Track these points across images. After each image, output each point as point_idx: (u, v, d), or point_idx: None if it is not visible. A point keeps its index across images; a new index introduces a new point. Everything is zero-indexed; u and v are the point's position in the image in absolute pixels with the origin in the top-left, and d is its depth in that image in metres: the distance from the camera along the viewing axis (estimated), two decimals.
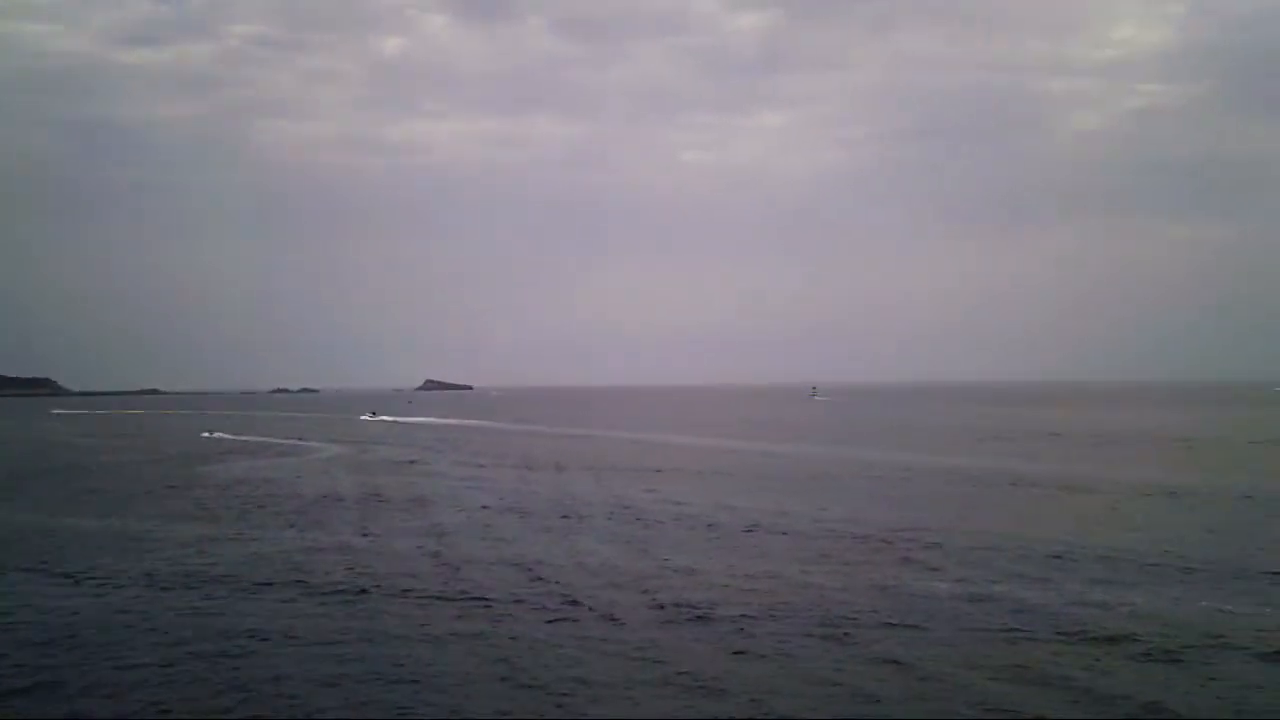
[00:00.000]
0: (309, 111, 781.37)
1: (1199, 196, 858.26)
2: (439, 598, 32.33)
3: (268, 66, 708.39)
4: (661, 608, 30.50)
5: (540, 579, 35.28)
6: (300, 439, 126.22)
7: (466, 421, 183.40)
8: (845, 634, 27.42)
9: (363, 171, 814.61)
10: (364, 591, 33.34)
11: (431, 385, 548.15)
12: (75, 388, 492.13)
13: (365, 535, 46.33)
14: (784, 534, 45.90)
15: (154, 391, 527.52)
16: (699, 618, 29.15)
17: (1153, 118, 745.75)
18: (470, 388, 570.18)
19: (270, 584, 34.76)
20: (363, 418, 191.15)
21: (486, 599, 31.97)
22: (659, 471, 78.56)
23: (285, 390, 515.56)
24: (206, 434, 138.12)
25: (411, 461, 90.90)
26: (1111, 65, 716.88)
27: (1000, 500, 59.67)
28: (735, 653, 25.70)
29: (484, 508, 56.06)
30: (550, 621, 29.07)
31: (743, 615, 29.33)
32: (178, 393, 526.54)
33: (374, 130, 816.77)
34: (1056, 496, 61.05)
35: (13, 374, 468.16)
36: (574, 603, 31.50)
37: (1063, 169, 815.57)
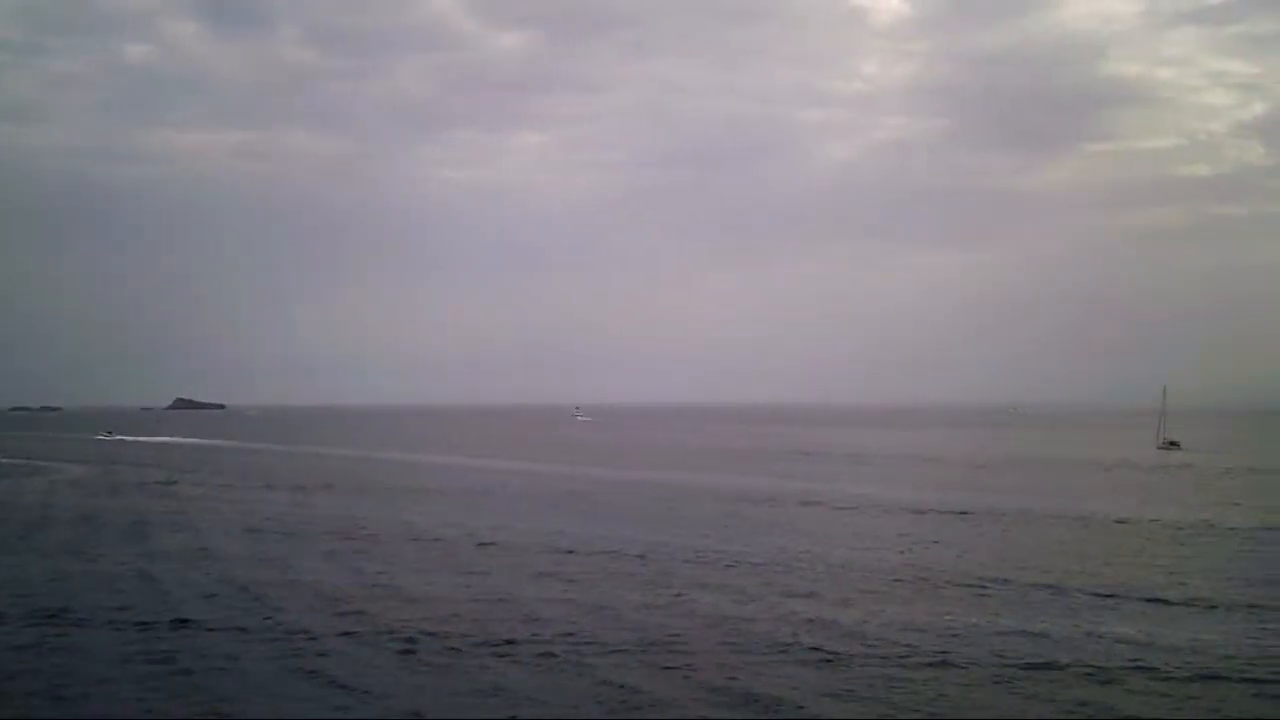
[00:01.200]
0: (47, 117, 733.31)
1: (942, 226, 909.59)
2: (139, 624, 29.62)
3: (4, 70, 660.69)
4: (342, 615, 30.60)
5: (250, 598, 33.60)
6: (28, 459, 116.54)
7: (210, 441, 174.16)
8: (510, 644, 27.18)
9: (105, 181, 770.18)
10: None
11: (182, 404, 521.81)
12: None
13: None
14: (511, 549, 45.28)
15: None
16: (380, 632, 28.64)
17: (899, 150, 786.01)
18: (223, 406, 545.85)
19: None
20: (98, 437, 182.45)
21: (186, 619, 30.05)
22: (414, 490, 76.47)
23: (24, 408, 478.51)
24: None
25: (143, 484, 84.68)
26: (860, 98, 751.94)
27: (741, 515, 60.50)
28: (402, 656, 26.11)
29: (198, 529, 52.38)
30: (242, 641, 27.64)
31: (425, 632, 28.60)
32: None
33: (118, 138, 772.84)
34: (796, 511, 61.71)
35: None
36: (269, 619, 30.16)
37: (815, 197, 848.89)
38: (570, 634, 28.10)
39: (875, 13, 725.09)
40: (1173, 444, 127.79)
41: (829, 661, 25.44)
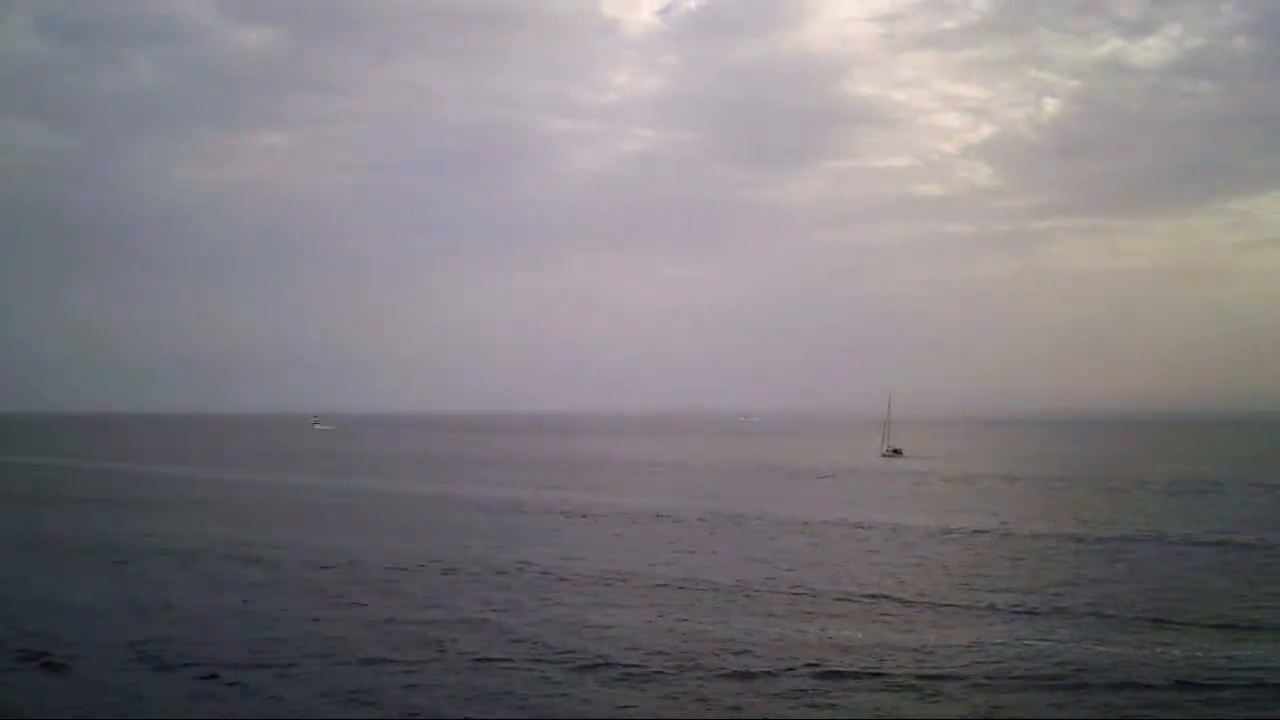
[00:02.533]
0: None
1: (688, 238, 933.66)
2: None
3: None
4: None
5: None
6: None
7: None
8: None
9: None
10: None
11: None
12: None
13: None
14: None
15: None
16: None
17: (648, 161, 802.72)
18: None
19: None
20: None
21: None
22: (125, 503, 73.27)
23: None
24: None
25: None
26: (612, 109, 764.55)
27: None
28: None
29: None
30: None
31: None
32: None
33: None
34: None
35: None
36: None
37: (565, 207, 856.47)
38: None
39: (627, 24, 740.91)
40: (896, 451, 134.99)
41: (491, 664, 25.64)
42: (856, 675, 25.49)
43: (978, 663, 26.71)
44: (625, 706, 23.25)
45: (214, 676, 25.28)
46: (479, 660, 26.85)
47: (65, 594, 36.30)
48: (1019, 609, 34.16)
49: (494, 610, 33.52)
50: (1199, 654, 27.58)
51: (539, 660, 26.95)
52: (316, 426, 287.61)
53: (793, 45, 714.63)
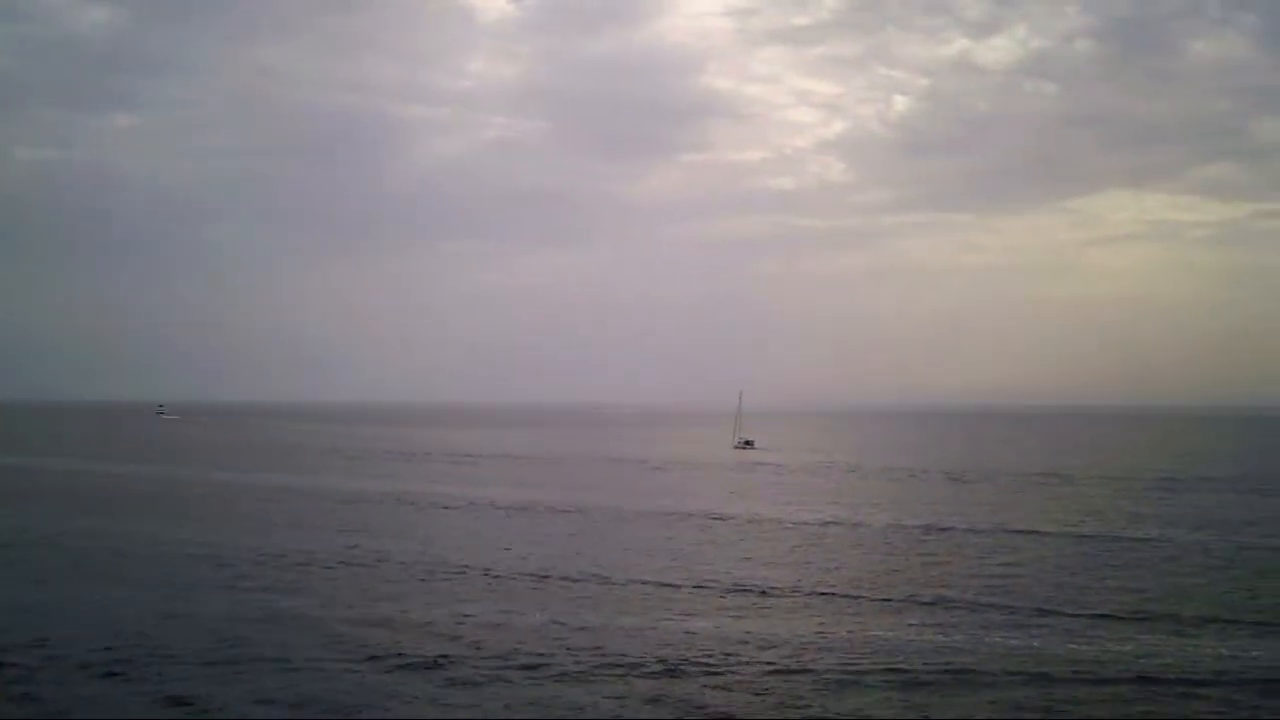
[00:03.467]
0: None
1: (545, 228, 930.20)
2: None
3: None
4: None
5: None
6: None
7: None
8: None
9: None
10: None
11: None
12: None
13: None
14: None
15: None
16: None
17: (505, 149, 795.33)
18: None
19: None
20: None
21: None
22: None
23: None
24: None
25: None
26: (467, 96, 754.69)
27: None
28: None
29: None
30: None
31: None
32: None
33: None
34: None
35: None
36: None
37: (421, 194, 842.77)
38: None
39: (482, 10, 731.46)
40: (748, 444, 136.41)
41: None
42: (709, 670, 25.19)
43: (827, 654, 26.77)
44: (448, 706, 22.53)
45: None
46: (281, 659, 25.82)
47: None
48: (866, 598, 34.53)
49: (322, 606, 32.58)
50: (1035, 644, 28.09)
51: (364, 659, 25.97)
52: (161, 415, 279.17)
53: (649, 37, 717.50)
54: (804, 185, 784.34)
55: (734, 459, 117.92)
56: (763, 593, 35.75)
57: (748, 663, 25.94)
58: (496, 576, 38.46)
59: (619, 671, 24.96)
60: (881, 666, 25.51)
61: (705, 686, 23.92)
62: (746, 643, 28.03)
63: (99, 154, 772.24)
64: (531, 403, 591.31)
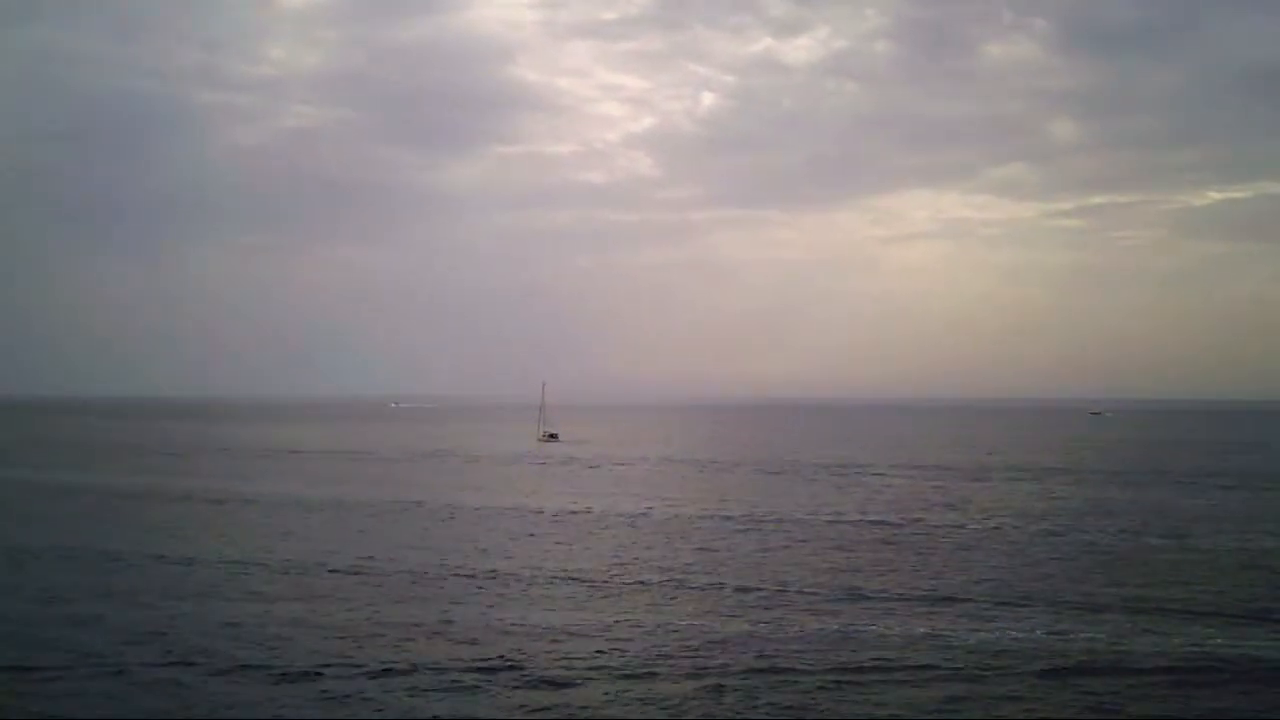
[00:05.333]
0: None
1: (348, 220, 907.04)
2: None
3: None
4: None
5: None
6: None
7: None
8: None
9: None
10: None
11: None
12: None
13: None
14: None
15: None
16: None
17: (307, 139, 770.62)
18: None
19: None
20: None
21: None
22: None
23: None
24: None
25: None
26: (268, 83, 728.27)
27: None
28: None
29: None
30: None
31: None
32: None
33: None
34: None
35: None
36: None
37: (216, 184, 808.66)
38: None
39: None
40: (552, 436, 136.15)
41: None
42: (507, 667, 24.95)
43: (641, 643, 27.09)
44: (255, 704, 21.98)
45: None
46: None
47: None
48: (684, 585, 35.19)
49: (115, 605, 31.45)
50: (842, 625, 29.11)
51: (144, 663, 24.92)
52: None
53: (458, 26, 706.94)
54: (614, 179, 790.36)
55: (539, 452, 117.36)
56: (582, 582, 35.91)
57: (574, 654, 25.95)
58: (302, 574, 37.43)
59: (447, 668, 24.66)
60: (686, 655, 25.82)
61: (538, 680, 23.83)
62: (572, 633, 28.12)
63: None
64: (318, 397, 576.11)
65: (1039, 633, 28.32)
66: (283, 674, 24.06)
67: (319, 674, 24.04)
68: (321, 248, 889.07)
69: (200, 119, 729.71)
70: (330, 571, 37.93)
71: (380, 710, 21.75)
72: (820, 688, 23.26)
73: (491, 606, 31.64)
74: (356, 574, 37.45)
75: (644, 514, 56.39)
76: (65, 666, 24.70)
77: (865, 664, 25.12)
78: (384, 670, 24.34)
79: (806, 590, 34.48)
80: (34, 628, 28.67)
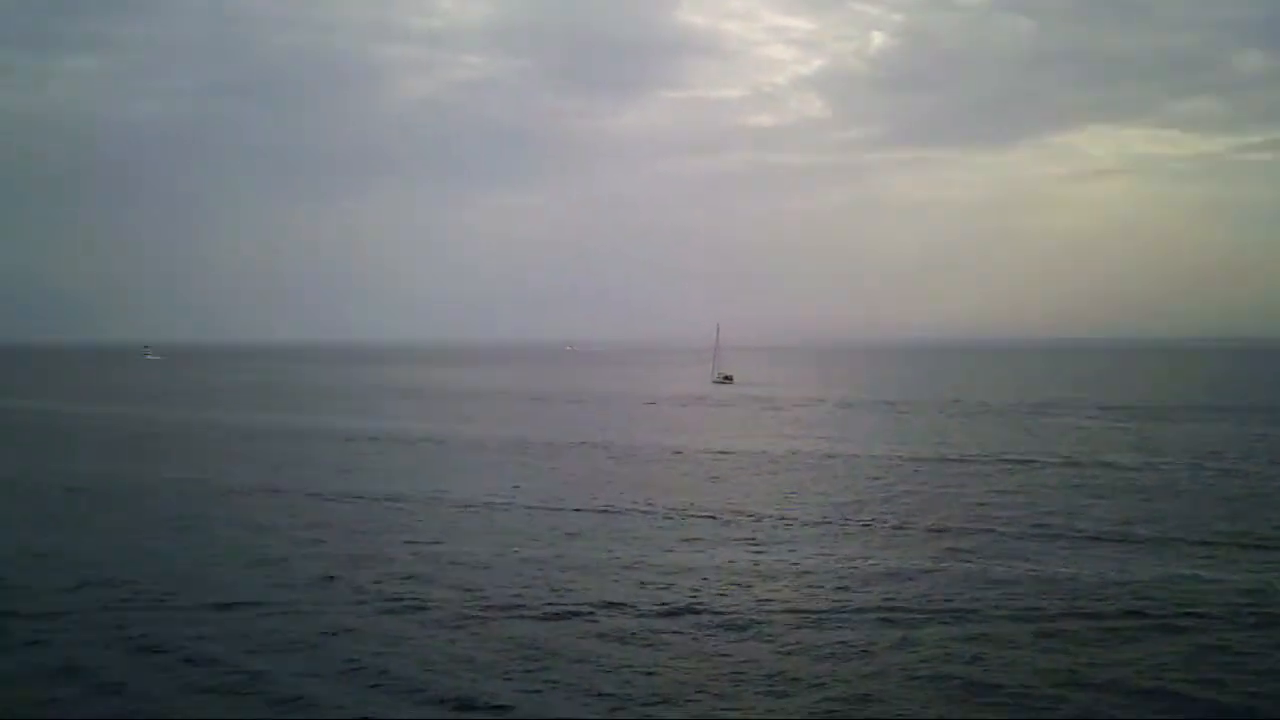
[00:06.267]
0: None
1: (520, 167, 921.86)
2: None
3: None
4: None
5: None
6: None
7: None
8: None
9: None
10: None
11: None
12: None
13: None
14: None
15: None
16: None
17: (476, 89, 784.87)
18: None
19: None
20: None
21: None
22: None
23: None
24: None
25: None
26: (439, 35, 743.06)
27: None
28: None
29: None
30: None
31: None
32: None
33: None
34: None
35: None
36: None
37: (395, 134, 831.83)
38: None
39: None
40: (727, 378, 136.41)
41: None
42: (690, 609, 24.97)
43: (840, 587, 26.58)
44: (443, 644, 22.07)
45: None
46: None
47: None
48: (870, 526, 34.33)
49: (312, 544, 32.24)
50: (1033, 568, 27.92)
51: (358, 601, 25.48)
52: (148, 356, 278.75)
53: None
54: (784, 122, 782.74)
55: (715, 394, 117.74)
56: (765, 523, 35.56)
57: (759, 596, 25.68)
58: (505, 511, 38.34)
59: (629, 607, 24.72)
60: (873, 599, 25.24)
61: (721, 623, 23.58)
62: (756, 575, 27.83)
63: (63, 98, 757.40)
64: (499, 341, 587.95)
65: (1239, 576, 26.97)
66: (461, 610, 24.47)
67: (494, 614, 24.35)
68: (489, 194, 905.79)
69: (375, 71, 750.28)
70: (526, 509, 38.64)
71: (555, 653, 21.42)
72: (1013, 635, 22.29)
73: (670, 551, 31.40)
74: (540, 510, 38.01)
75: (826, 456, 55.71)
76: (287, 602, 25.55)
77: (1058, 610, 24.08)
78: (570, 612, 24.35)
79: (996, 531, 33.54)
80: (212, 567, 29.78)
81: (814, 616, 23.82)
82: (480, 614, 24.01)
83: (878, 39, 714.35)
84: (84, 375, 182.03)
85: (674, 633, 22.66)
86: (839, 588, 26.29)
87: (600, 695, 18.98)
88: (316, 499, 41.44)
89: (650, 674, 20.07)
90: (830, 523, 35.78)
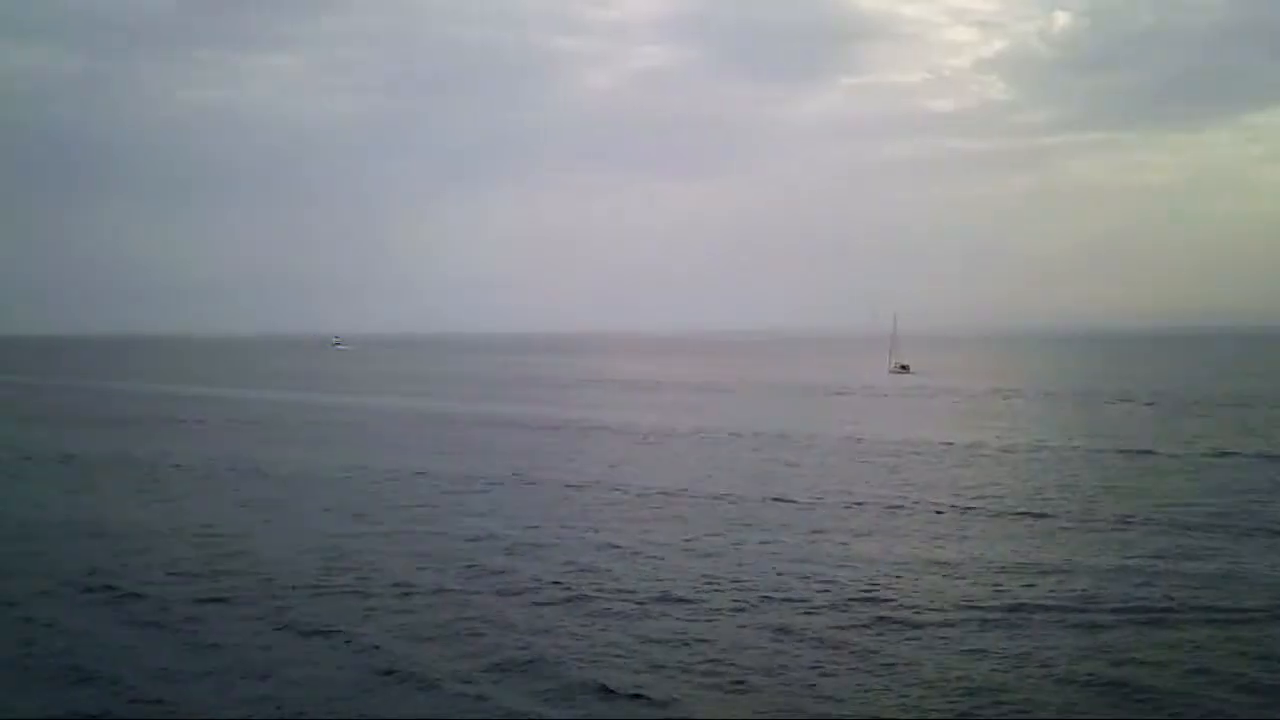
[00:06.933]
0: None
1: (694, 156, 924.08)
2: None
3: None
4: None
5: None
6: None
7: None
8: None
9: None
10: None
11: None
12: None
13: None
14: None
15: None
16: None
17: (654, 79, 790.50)
18: None
19: None
20: None
21: None
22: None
23: None
24: None
25: None
26: (617, 26, 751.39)
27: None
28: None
29: None
30: None
31: None
32: None
33: None
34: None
35: None
36: None
37: (574, 126, 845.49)
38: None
39: None
40: (904, 368, 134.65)
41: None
42: (864, 599, 24.79)
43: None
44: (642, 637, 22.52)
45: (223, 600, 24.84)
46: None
47: (107, 519, 35.38)
48: (1055, 519, 33.56)
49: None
50: (1228, 564, 26.95)
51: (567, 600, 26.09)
52: (337, 347, 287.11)
53: None
54: (964, 106, 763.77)
55: (891, 384, 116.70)
56: (948, 514, 35.25)
57: (937, 590, 25.40)
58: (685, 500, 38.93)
59: (803, 598, 24.66)
60: (1055, 596, 24.59)
61: (895, 618, 23.40)
62: (935, 569, 27.54)
63: (259, 96, 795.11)
64: (679, 330, 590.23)
65: None
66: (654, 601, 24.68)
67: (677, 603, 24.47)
68: (663, 184, 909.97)
69: (554, 64, 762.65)
70: (709, 499, 39.02)
71: (723, 648, 21.31)
72: (1209, 638, 21.32)
73: (844, 542, 31.20)
74: (717, 500, 38.49)
75: (1007, 448, 54.53)
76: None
77: (1255, 608, 23.22)
78: (737, 605, 24.35)
79: (1189, 526, 32.42)
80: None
81: (995, 614, 23.20)
82: (638, 605, 24.21)
83: (1061, 19, 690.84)
84: (285, 364, 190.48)
85: (849, 629, 22.37)
86: (1024, 584, 25.67)
87: (747, 690, 18.87)
88: (571, 488, 42.27)
89: (823, 672, 19.81)
90: (1011, 515, 35.16)
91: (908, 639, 21.59)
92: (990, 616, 23.03)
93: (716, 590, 25.34)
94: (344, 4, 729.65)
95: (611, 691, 18.67)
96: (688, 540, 31.39)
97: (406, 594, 25.15)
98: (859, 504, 37.68)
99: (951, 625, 22.46)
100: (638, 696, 18.47)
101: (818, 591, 25.15)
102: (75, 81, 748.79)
